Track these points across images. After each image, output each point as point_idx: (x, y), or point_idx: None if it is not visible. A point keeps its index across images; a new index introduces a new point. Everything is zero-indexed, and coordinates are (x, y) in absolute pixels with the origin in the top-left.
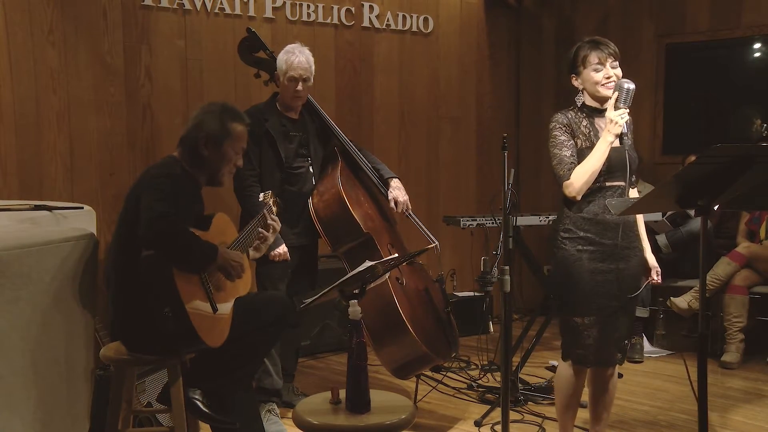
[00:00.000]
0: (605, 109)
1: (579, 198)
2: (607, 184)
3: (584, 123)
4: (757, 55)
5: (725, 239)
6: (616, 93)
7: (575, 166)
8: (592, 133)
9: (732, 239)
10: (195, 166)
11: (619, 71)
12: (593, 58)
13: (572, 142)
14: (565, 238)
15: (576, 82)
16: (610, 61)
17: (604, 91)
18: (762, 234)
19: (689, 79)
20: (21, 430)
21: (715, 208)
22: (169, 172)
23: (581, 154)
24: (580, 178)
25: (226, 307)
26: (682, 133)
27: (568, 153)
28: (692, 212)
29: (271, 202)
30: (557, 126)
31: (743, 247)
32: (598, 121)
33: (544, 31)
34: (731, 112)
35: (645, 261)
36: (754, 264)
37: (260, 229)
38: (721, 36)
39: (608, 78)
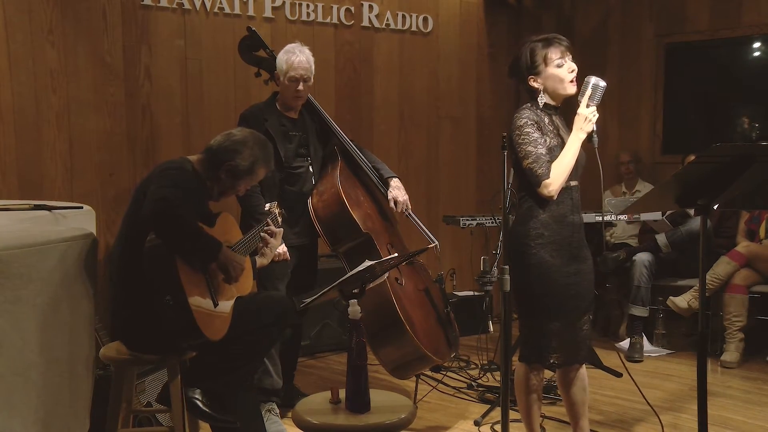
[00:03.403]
0: (559, 107)
1: (555, 197)
2: (571, 183)
3: (547, 120)
4: (757, 54)
5: (725, 238)
6: (588, 90)
7: (551, 164)
8: (555, 130)
9: (732, 238)
10: (207, 178)
11: (575, 66)
12: (554, 53)
13: (544, 139)
14: (539, 244)
15: (536, 83)
16: (567, 54)
17: (571, 89)
18: (762, 233)
19: (689, 79)
20: (21, 430)
21: (715, 207)
22: (180, 167)
23: (549, 152)
24: (559, 176)
25: (226, 305)
26: (682, 133)
27: (543, 150)
28: (692, 211)
29: (276, 213)
30: (528, 123)
31: (743, 246)
32: (555, 119)
33: (544, 30)
34: (731, 112)
35: None
36: (754, 263)
37: (263, 235)
38: (721, 35)
39: (572, 71)
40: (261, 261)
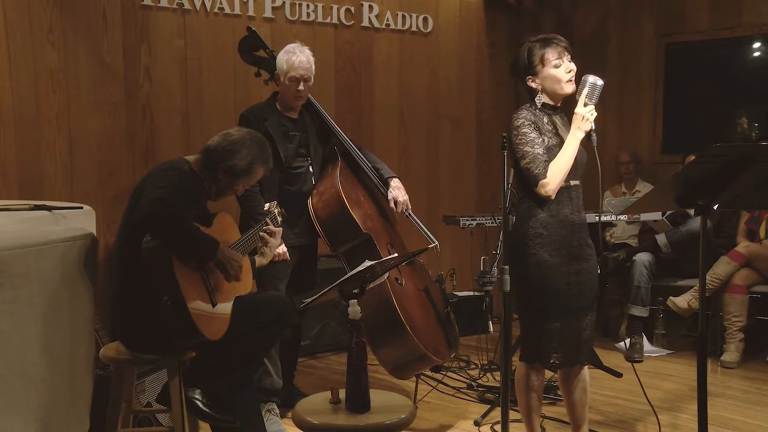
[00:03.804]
0: (559, 106)
1: (553, 197)
2: (571, 183)
3: (545, 120)
4: (756, 54)
5: (725, 239)
6: (586, 89)
7: (548, 164)
8: (554, 129)
9: (732, 239)
10: (205, 179)
11: (574, 65)
12: (551, 54)
13: (542, 139)
14: (538, 244)
15: (534, 84)
16: (566, 54)
17: (569, 88)
18: (762, 233)
19: (689, 79)
20: (21, 430)
21: (715, 207)
22: (177, 167)
23: (548, 152)
24: (556, 176)
25: (225, 305)
26: (682, 133)
27: (540, 150)
28: (692, 211)
29: (275, 212)
30: (525, 123)
31: (743, 246)
32: (555, 118)
33: (544, 30)
34: (731, 112)
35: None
36: (754, 263)
37: (262, 234)
38: (720, 35)
39: (570, 71)
40: (260, 260)
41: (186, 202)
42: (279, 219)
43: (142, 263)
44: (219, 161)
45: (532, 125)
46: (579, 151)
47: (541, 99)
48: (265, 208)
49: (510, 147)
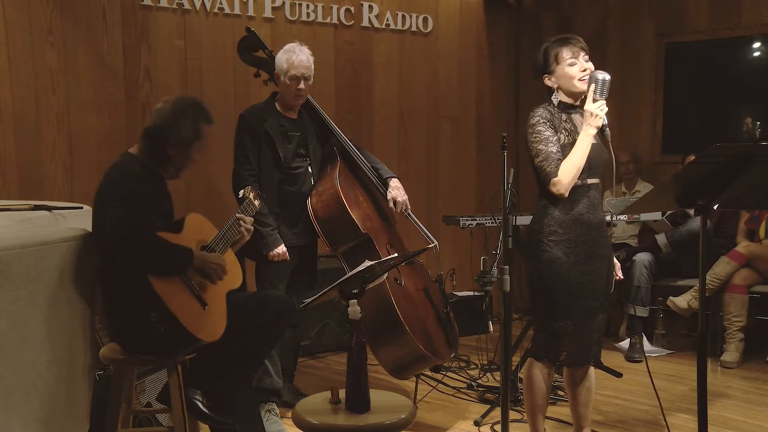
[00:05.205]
0: (578, 105)
1: (566, 195)
2: (589, 181)
3: (563, 117)
4: (756, 54)
5: (725, 238)
6: (593, 85)
7: (561, 162)
8: (572, 128)
9: (732, 238)
10: (158, 163)
11: (591, 65)
12: (566, 53)
13: (556, 137)
14: (552, 241)
15: (549, 82)
16: (582, 54)
17: (581, 86)
18: (761, 233)
19: (689, 79)
20: (21, 430)
21: (715, 207)
22: (128, 171)
23: (563, 150)
24: (567, 174)
25: (218, 303)
26: (682, 133)
27: (554, 149)
28: (692, 211)
29: (251, 197)
30: (541, 121)
31: (743, 246)
32: (574, 117)
33: (543, 30)
34: (731, 112)
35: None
36: (754, 263)
37: (243, 232)
38: (720, 35)
39: (584, 71)
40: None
41: (150, 210)
42: (255, 203)
43: (123, 285)
44: (164, 140)
45: (548, 123)
46: (598, 149)
47: (558, 97)
48: (240, 195)
49: (525, 145)
